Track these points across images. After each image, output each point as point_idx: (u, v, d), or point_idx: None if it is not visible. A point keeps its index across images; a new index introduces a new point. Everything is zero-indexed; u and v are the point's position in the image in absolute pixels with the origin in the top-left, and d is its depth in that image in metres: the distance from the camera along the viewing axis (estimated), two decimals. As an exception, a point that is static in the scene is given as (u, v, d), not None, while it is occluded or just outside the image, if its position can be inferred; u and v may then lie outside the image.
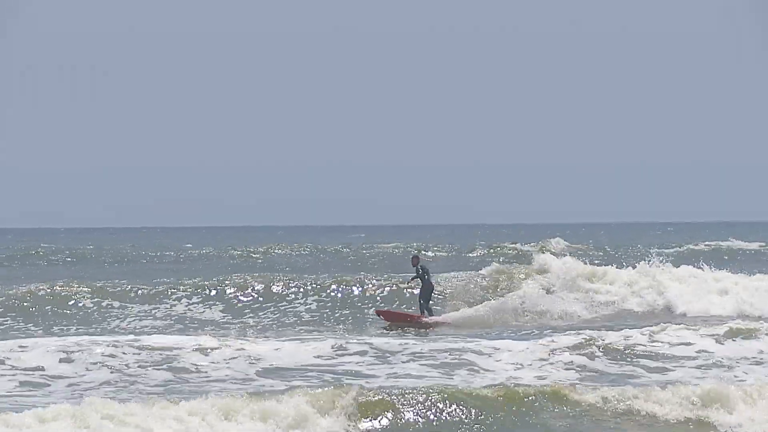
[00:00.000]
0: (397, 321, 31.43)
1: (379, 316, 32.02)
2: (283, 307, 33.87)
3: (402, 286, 35.33)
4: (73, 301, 33.71)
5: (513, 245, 66.26)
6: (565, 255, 42.32)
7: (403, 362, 22.33)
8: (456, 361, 22.36)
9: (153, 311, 33.63)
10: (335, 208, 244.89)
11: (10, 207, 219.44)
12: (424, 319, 31.14)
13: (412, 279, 32.13)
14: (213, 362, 21.81)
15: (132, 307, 33.78)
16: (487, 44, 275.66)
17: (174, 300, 33.97)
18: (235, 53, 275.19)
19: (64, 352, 21.65)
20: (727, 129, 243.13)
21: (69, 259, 63.00)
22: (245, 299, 34.32)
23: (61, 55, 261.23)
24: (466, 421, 17.51)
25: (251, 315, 33.29)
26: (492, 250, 62.52)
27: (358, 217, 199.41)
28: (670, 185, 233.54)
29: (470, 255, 61.54)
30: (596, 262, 39.30)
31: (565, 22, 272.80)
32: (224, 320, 32.55)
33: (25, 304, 33.38)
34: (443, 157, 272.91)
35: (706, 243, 77.24)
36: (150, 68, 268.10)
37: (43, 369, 20.79)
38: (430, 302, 31.77)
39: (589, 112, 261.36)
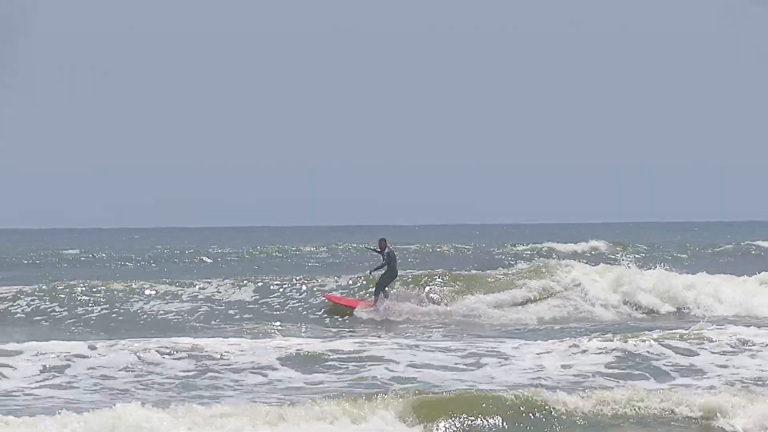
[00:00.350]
0: (343, 305, 31.49)
1: (327, 300, 32.05)
2: (313, 302, 33.63)
3: (368, 276, 34.57)
4: (102, 288, 33.72)
5: (548, 244, 65.65)
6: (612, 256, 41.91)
7: (425, 351, 22.32)
8: (482, 352, 22.36)
9: (180, 293, 33.69)
10: (335, 208, 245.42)
11: (11, 207, 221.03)
12: (376, 305, 31.14)
13: (377, 268, 31.63)
14: (238, 352, 21.78)
15: (159, 289, 33.84)
16: (487, 44, 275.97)
17: (208, 294, 33.77)
18: (235, 53, 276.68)
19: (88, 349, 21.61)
20: (727, 129, 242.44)
21: (97, 255, 63.29)
22: (276, 294, 34.13)
23: (61, 55, 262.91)
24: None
25: (280, 308, 33.16)
26: (522, 248, 62.06)
27: (358, 217, 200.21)
28: (670, 185, 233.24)
29: (498, 251, 61.37)
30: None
31: (565, 22, 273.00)
32: (253, 314, 32.47)
33: (52, 290, 33.36)
34: (443, 157, 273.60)
35: (748, 242, 76.78)
36: (150, 68, 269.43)
37: (64, 366, 20.68)
38: (387, 288, 31.54)
39: (589, 112, 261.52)
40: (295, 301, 33.80)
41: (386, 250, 31.17)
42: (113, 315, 31.78)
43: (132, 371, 20.62)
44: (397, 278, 32.02)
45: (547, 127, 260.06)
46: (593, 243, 68.14)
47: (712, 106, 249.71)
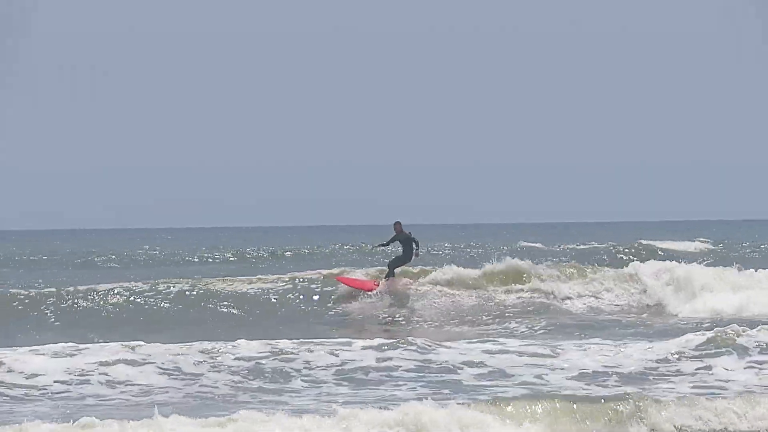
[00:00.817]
0: (353, 286, 31.74)
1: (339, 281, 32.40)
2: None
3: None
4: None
5: (647, 242, 63.32)
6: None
7: (500, 338, 22.42)
8: (559, 339, 22.44)
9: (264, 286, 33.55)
10: (335, 208, 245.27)
11: (10, 207, 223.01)
12: (379, 284, 31.61)
13: (382, 245, 32.57)
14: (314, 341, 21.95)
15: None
16: (487, 44, 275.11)
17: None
18: (235, 53, 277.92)
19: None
20: (727, 129, 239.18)
21: (146, 255, 62.76)
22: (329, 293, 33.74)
23: (61, 55, 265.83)
24: None
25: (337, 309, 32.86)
26: (620, 247, 60.26)
27: (358, 217, 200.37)
28: (670, 185, 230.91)
29: (592, 247, 60.43)
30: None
31: (565, 22, 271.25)
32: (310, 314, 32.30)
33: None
34: (443, 157, 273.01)
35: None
36: (150, 68, 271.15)
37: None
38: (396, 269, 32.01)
39: (589, 112, 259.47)
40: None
41: (405, 234, 31.59)
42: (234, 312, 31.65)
43: (207, 354, 20.99)
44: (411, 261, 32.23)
45: (547, 127, 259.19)
46: (697, 242, 66.58)
47: (712, 105, 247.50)
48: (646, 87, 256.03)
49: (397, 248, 32.52)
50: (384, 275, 32.23)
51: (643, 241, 60.94)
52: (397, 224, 31.81)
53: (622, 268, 34.87)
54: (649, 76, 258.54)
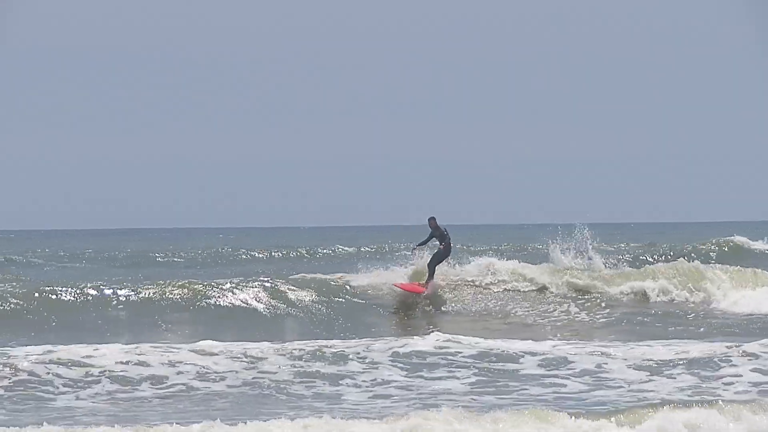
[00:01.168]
0: (408, 290, 31.63)
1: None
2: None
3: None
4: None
5: (731, 238, 61.36)
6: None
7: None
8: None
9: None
10: (335, 208, 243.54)
11: (10, 207, 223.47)
12: (427, 287, 31.23)
13: (421, 244, 31.63)
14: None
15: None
16: (487, 44, 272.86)
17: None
18: (235, 53, 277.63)
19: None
20: (727, 129, 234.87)
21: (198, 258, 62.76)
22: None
23: (61, 55, 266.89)
24: None
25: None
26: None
27: (358, 217, 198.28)
28: (670, 185, 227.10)
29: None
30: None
31: (565, 22, 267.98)
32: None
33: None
34: (443, 157, 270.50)
35: None
36: (150, 68, 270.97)
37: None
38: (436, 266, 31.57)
39: (589, 112, 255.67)
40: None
41: (441, 230, 31.05)
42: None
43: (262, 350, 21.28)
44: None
45: (548, 128, 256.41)
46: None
47: (713, 105, 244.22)
48: (646, 87, 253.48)
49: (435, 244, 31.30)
50: (426, 277, 31.35)
51: (733, 238, 59.09)
52: (432, 220, 31.04)
53: (693, 262, 34.79)
54: (650, 77, 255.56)
